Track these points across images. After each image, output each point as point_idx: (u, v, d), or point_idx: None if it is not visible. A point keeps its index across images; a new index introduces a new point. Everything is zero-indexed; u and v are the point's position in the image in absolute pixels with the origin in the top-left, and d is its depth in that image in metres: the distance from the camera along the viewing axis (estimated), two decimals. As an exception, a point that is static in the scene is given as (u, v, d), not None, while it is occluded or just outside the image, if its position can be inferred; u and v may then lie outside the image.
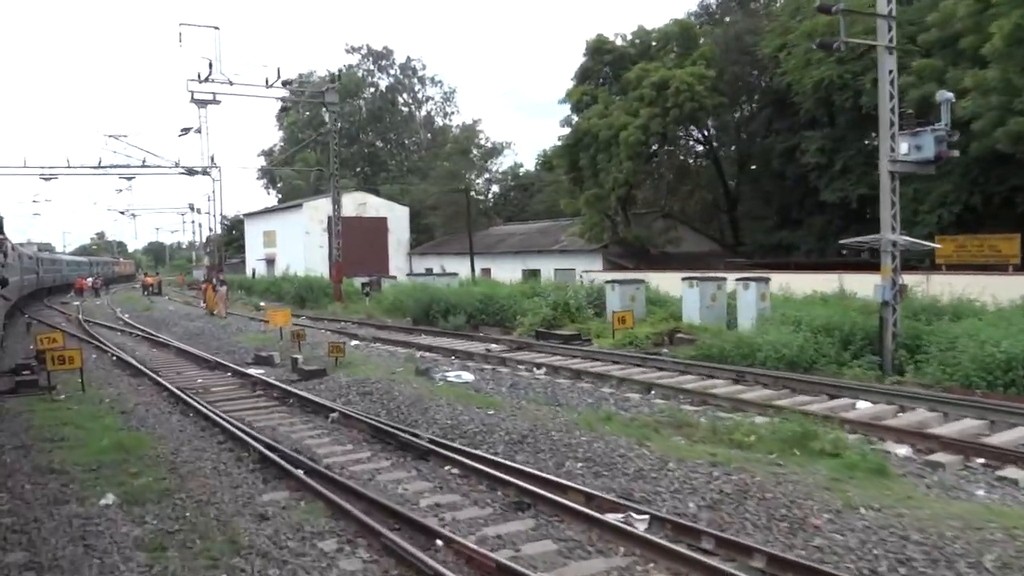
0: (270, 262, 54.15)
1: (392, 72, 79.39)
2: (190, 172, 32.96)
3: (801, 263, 28.23)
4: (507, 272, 36.81)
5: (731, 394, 11.76)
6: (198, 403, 12.32)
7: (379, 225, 50.71)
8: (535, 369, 14.23)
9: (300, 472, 8.15)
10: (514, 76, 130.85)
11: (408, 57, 79.25)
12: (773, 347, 13.76)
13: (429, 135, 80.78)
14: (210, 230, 49.42)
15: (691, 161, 38.78)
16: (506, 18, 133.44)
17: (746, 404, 10.95)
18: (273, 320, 20.57)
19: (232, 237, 72.10)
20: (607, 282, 22.09)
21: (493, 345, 18.26)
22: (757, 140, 33.69)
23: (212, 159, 35.69)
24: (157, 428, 11.00)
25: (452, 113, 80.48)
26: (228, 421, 10.88)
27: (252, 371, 16.06)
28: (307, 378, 14.87)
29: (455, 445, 9.10)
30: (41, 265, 44.28)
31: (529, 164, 62.42)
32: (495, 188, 58.43)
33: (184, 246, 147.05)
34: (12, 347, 22.95)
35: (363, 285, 32.95)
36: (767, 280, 18.23)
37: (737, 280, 18.17)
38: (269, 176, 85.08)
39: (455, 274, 31.93)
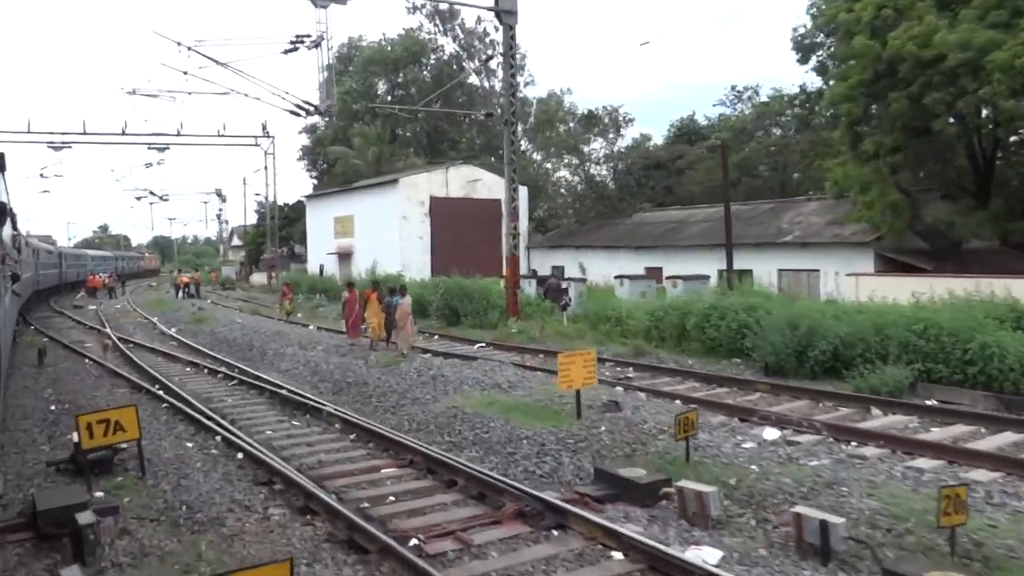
0: (344, 256, 43.52)
1: (459, 37, 68.90)
2: (300, 111, 23.00)
3: None
4: (690, 272, 25.71)
5: None
6: None
7: (491, 209, 40.01)
8: None
9: None
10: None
11: (479, 17, 68.52)
12: None
13: (499, 109, 70.21)
14: (271, 210, 39.20)
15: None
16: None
17: None
18: (567, 377, 10.03)
19: (274, 227, 61.75)
20: None
21: None
22: None
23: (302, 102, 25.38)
24: None
25: (528, 84, 69.74)
26: None
27: (693, 557, 5.75)
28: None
29: None
30: (65, 260, 43.97)
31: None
32: (619, 165, 47.69)
33: (190, 240, 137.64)
34: (16, 405, 12.54)
35: (548, 292, 22.45)
36: None
37: None
38: (311, 156, 75.51)
39: (707, 277, 21.36)
